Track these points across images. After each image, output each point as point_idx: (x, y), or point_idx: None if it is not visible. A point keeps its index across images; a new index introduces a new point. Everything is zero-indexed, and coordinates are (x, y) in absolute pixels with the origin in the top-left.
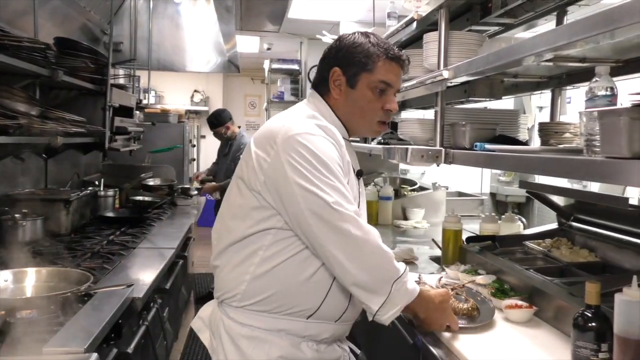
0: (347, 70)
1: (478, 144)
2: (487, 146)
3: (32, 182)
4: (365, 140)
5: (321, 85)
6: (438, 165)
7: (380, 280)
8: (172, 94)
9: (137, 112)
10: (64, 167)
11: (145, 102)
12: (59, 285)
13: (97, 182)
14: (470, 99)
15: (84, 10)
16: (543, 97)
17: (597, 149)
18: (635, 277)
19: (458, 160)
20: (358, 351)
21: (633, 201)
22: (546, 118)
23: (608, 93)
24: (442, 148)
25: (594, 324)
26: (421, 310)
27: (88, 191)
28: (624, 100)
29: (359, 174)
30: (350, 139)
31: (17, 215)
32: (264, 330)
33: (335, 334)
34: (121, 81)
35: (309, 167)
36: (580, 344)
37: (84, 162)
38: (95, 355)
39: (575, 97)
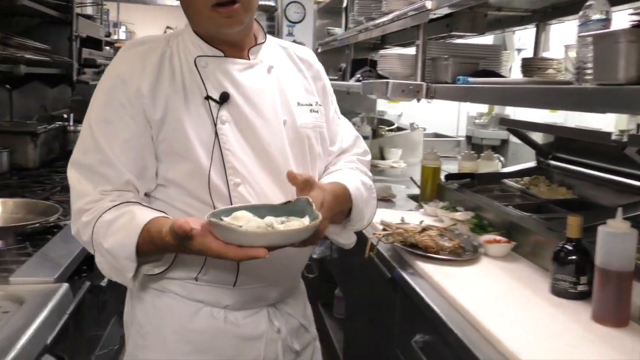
0: None
1: (461, 77)
2: (471, 79)
3: None
4: (343, 79)
5: None
6: (419, 101)
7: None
8: (143, 29)
9: (107, 47)
10: (30, 100)
11: (115, 37)
12: (26, 217)
13: (65, 116)
14: (452, 33)
15: None
16: (522, 39)
17: (589, 77)
18: (620, 209)
19: (440, 94)
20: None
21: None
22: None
23: (603, 17)
24: (423, 82)
25: (574, 257)
26: None
27: (56, 125)
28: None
29: (222, 98)
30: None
31: None
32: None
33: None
34: (89, 11)
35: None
36: (559, 277)
37: (51, 97)
38: (66, 285)
39: (557, 36)
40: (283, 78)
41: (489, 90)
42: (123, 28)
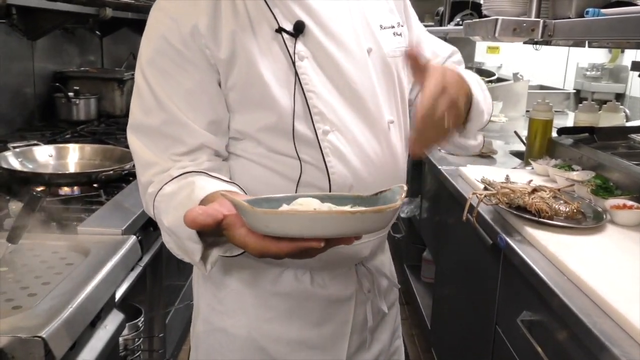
0: None
1: (590, 9)
2: (604, 11)
3: (88, 63)
4: (440, 23)
5: None
6: (533, 44)
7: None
8: None
9: None
10: (120, 47)
11: None
12: (102, 164)
13: None
14: None
15: None
16: None
17: None
18: None
19: (560, 32)
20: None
21: None
22: None
23: None
24: (539, 19)
25: None
26: None
27: None
28: None
29: (296, 29)
30: None
31: (70, 94)
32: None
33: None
34: None
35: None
36: None
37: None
38: (133, 237)
39: None
40: None
41: (633, 20)
42: None
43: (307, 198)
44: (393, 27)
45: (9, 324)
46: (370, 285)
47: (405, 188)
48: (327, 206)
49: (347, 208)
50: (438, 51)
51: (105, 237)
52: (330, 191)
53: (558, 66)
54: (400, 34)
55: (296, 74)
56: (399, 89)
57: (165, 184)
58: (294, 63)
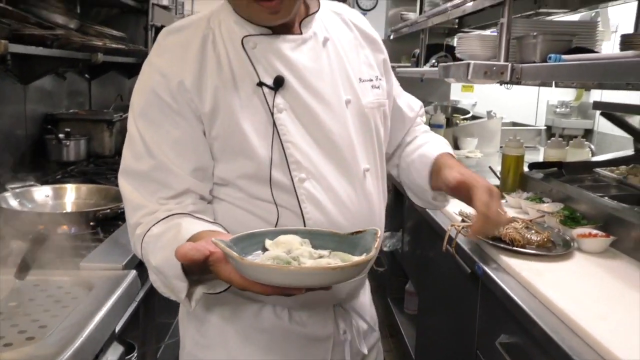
0: None
1: (552, 55)
2: (565, 57)
3: (77, 105)
4: (417, 65)
5: None
6: (501, 85)
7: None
8: None
9: None
10: (108, 90)
11: None
12: (99, 203)
13: None
14: (540, 11)
15: None
16: (617, 17)
17: None
18: None
19: (527, 75)
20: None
21: None
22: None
23: None
24: (508, 63)
25: None
26: None
27: None
28: None
29: (276, 83)
30: (299, 35)
31: (60, 135)
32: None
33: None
34: (164, 2)
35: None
36: None
37: (127, 86)
38: (134, 272)
39: None
40: (341, 51)
41: (590, 66)
42: None
43: (288, 236)
44: (372, 80)
45: (26, 353)
46: (346, 327)
47: (380, 234)
48: (306, 248)
49: (327, 260)
50: (412, 105)
51: (107, 272)
52: None
53: (530, 103)
54: (379, 87)
55: (274, 125)
56: (376, 138)
57: (153, 225)
58: (272, 115)
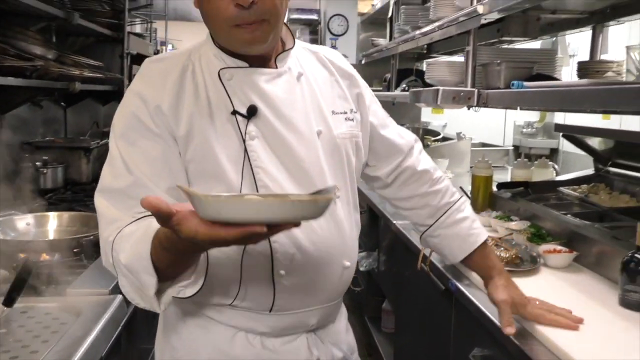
0: None
1: (515, 82)
2: (527, 84)
3: (52, 132)
4: (388, 89)
5: None
6: (469, 109)
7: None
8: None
9: None
10: (84, 117)
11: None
12: (80, 230)
13: None
14: (503, 39)
15: None
16: (572, 45)
17: None
18: None
19: (492, 101)
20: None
21: None
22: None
23: None
24: (474, 89)
25: None
26: None
27: (107, 140)
28: None
29: (249, 112)
30: (280, 69)
31: (37, 163)
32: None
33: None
34: (138, 29)
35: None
36: (629, 288)
37: (103, 113)
38: (120, 297)
39: (614, 38)
40: (315, 85)
41: (549, 93)
42: (170, 46)
43: (253, 196)
44: (345, 112)
45: None
46: (320, 354)
47: (338, 188)
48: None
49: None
50: (403, 134)
51: (93, 297)
52: (272, 259)
53: (497, 124)
54: (352, 119)
55: (245, 151)
56: (347, 167)
57: (126, 226)
58: (244, 142)
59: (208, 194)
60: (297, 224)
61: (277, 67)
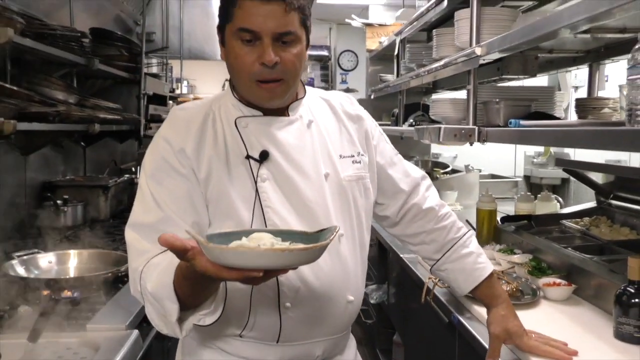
0: (220, 26)
1: (512, 120)
2: (523, 122)
3: (72, 170)
4: (396, 124)
5: None
6: (471, 144)
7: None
8: (203, 84)
9: (171, 101)
10: (102, 155)
11: (178, 91)
12: (100, 267)
13: (133, 169)
14: (503, 77)
15: (117, 2)
16: (579, 76)
17: None
18: None
19: (492, 138)
20: None
21: None
22: (583, 96)
23: None
24: (475, 126)
25: (637, 299)
26: None
27: (125, 178)
28: None
29: (261, 156)
30: (291, 116)
31: (58, 202)
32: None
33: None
34: (154, 70)
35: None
36: (622, 321)
37: (120, 151)
38: (136, 332)
39: (614, 74)
40: (324, 131)
41: (541, 133)
42: (185, 83)
43: (261, 233)
44: (353, 156)
45: None
46: None
47: (338, 228)
48: (272, 242)
49: (282, 245)
50: (409, 171)
51: (111, 332)
52: (279, 292)
53: (508, 155)
54: (360, 162)
55: (257, 192)
56: (354, 207)
57: (153, 257)
58: (256, 183)
59: (212, 244)
60: (293, 268)
61: (289, 115)
